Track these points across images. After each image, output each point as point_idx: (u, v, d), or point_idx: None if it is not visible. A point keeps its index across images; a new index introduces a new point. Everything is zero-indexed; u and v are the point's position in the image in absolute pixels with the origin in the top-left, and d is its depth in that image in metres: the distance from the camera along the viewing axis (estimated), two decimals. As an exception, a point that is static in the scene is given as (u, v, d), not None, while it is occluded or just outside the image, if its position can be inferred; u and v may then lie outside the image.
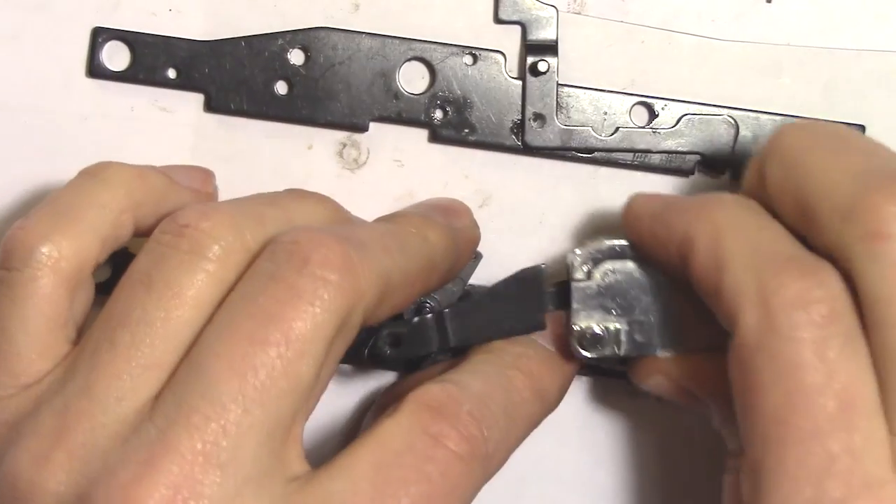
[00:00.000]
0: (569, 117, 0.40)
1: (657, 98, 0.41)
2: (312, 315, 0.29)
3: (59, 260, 0.31)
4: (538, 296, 0.36)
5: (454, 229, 0.36)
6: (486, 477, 0.32)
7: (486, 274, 0.40)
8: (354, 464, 0.30)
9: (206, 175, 0.37)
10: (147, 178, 0.34)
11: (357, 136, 0.41)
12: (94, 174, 0.34)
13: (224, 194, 0.39)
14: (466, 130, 0.40)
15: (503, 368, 0.35)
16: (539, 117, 0.40)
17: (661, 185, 0.41)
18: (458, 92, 0.40)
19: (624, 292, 0.35)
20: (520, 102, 0.40)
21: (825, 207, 0.30)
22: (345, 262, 0.30)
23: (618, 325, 0.35)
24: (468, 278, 0.39)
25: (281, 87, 0.40)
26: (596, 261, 0.36)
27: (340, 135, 0.41)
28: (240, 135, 0.41)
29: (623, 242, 0.35)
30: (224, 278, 0.30)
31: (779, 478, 0.28)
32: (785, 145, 0.32)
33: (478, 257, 0.39)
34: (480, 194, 0.41)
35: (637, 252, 0.35)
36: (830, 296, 0.29)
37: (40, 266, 0.31)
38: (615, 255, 0.36)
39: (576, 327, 0.35)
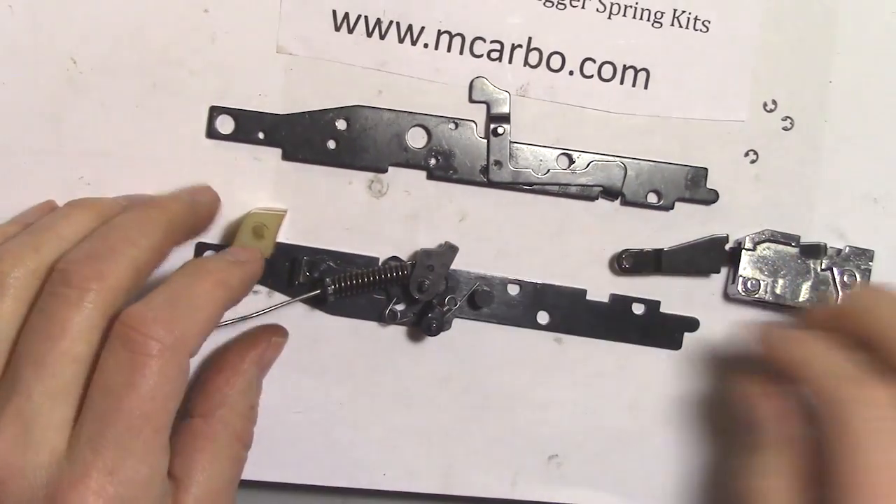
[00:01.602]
0: (517, 163, 0.49)
1: (574, 150, 0.50)
2: (81, 311, 0.34)
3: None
4: (720, 252, 0.47)
5: (194, 201, 0.41)
6: (188, 353, 0.35)
7: (464, 263, 0.50)
8: (90, 394, 0.34)
9: (213, 196, 0.42)
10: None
11: (381, 176, 0.50)
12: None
13: (296, 213, 0.49)
14: (451, 171, 0.49)
15: (187, 275, 0.38)
16: (498, 163, 0.49)
17: (577, 206, 0.50)
18: (446, 146, 0.49)
19: (772, 262, 0.47)
20: (486, 153, 0.49)
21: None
22: (96, 273, 0.34)
23: (765, 280, 0.46)
24: (449, 265, 0.47)
25: (331, 144, 0.49)
26: (758, 242, 0.47)
27: (370, 175, 0.50)
28: (305, 175, 0.50)
29: (772, 232, 0.45)
30: (24, 298, 0.36)
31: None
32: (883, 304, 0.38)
33: (454, 250, 0.47)
34: (460, 213, 0.51)
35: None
36: (887, 402, 0.34)
37: None
38: (769, 239, 0.46)
39: (741, 277, 0.47)
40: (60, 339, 0.34)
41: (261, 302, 0.50)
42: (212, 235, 0.48)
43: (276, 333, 0.47)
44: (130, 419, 0.34)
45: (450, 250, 0.47)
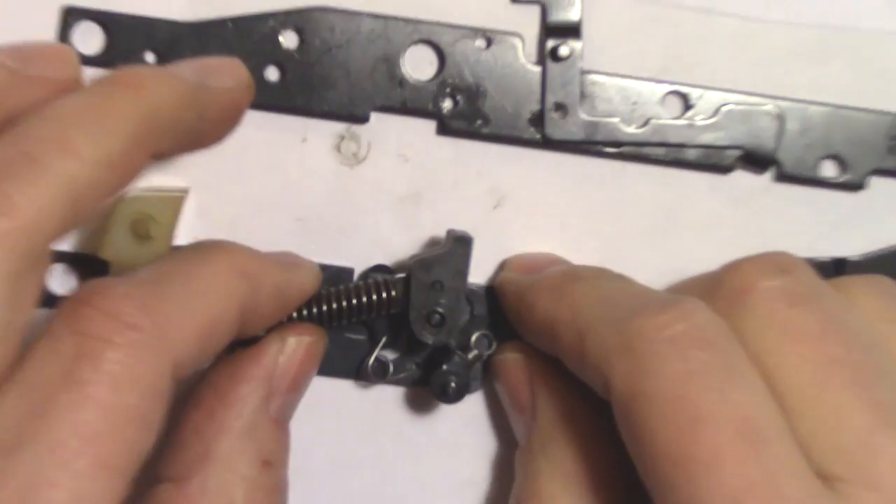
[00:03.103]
0: (594, 107, 0.38)
1: (693, 86, 0.38)
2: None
3: None
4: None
5: (200, 86, 0.32)
6: (172, 357, 0.29)
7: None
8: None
9: (66, 58, 0.32)
10: None
11: (356, 128, 0.39)
12: None
13: (209, 191, 0.38)
14: (479, 122, 0.38)
15: (193, 252, 0.32)
16: (560, 107, 0.38)
17: (698, 182, 0.39)
18: (470, 79, 0.38)
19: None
20: (539, 91, 0.38)
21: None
22: (7, 205, 0.26)
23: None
24: (466, 274, 0.36)
25: (272, 74, 0.37)
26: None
27: (338, 126, 0.38)
28: None
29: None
30: None
31: None
32: None
33: (466, 244, 0.35)
34: (494, 193, 0.39)
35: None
36: (696, 325, 0.28)
37: None
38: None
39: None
40: None
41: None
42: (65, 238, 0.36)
43: (299, 330, 0.35)
44: (59, 438, 0.25)
45: (459, 246, 0.35)
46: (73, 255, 0.38)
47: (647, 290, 0.32)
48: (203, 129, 0.33)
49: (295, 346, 0.35)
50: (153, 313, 0.28)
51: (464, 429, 0.39)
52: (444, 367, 0.36)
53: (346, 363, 0.38)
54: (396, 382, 0.38)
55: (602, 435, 0.33)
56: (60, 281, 0.37)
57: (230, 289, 0.31)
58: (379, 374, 0.38)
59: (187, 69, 0.32)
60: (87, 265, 0.38)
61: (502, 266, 0.38)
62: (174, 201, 0.37)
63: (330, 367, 0.38)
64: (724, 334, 0.29)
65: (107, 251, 0.36)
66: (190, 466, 0.33)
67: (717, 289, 0.32)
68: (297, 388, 0.35)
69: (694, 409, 0.27)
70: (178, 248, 0.34)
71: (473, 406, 0.39)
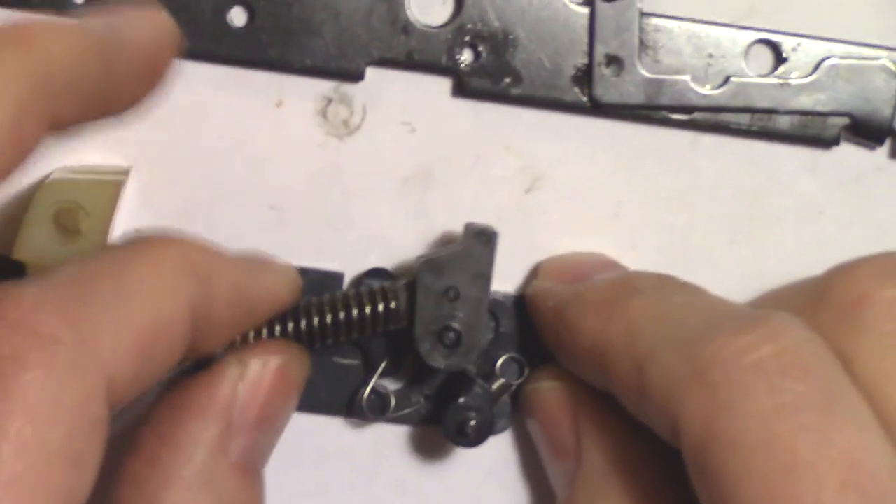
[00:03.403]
0: (657, 62, 0.36)
1: (786, 34, 0.36)
2: None
3: None
4: None
5: (106, 37, 0.31)
6: (103, 377, 0.28)
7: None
8: None
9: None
10: None
11: (348, 88, 0.37)
12: None
13: (156, 173, 0.37)
14: (508, 80, 0.36)
15: (129, 246, 0.31)
16: (614, 61, 0.36)
17: (792, 159, 0.37)
18: (496, 24, 0.36)
19: None
20: (585, 40, 0.36)
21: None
22: None
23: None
24: (490, 275, 0.34)
25: (237, 17, 0.36)
26: None
27: (324, 86, 0.37)
28: (178, 86, 0.37)
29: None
30: None
31: None
32: None
33: (490, 238, 0.34)
34: (528, 173, 0.37)
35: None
36: (787, 347, 0.28)
37: None
38: None
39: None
40: None
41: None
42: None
43: (265, 349, 0.33)
44: None
45: (479, 243, 0.33)
46: (-27, 254, 0.37)
47: (722, 302, 0.32)
48: (113, 91, 0.31)
49: (259, 369, 0.34)
50: (76, 322, 0.27)
51: (485, 480, 0.38)
52: (462, 399, 0.35)
53: (335, 395, 0.38)
54: (400, 420, 0.37)
55: (665, 486, 0.31)
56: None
57: (175, 289, 0.30)
58: (377, 410, 0.37)
59: (93, 19, 0.31)
60: (-4, 265, 0.38)
61: (536, 272, 0.36)
62: (110, 186, 0.36)
63: (314, 401, 0.37)
64: (823, 358, 0.28)
65: (23, 250, 0.35)
66: None
67: (822, 300, 0.30)
68: (266, 425, 0.34)
69: (787, 456, 0.26)
70: (110, 245, 0.34)
71: (498, 450, 0.38)
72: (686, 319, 0.30)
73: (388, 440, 0.38)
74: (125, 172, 0.36)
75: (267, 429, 0.34)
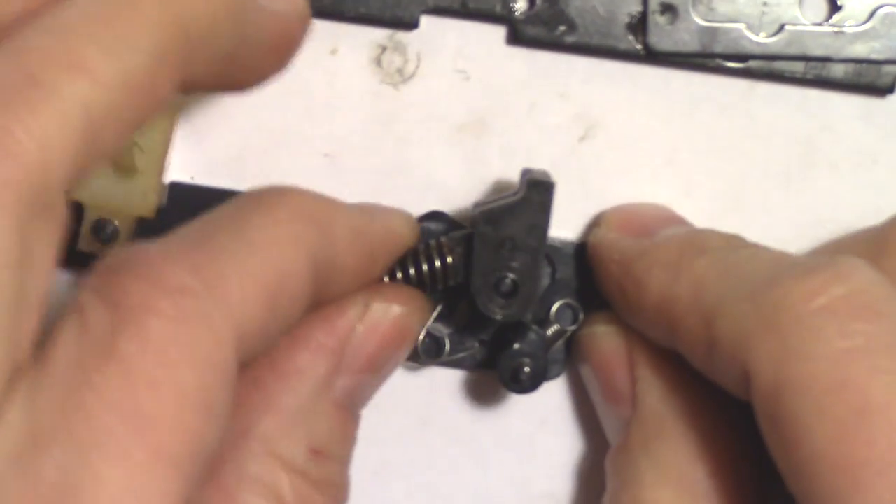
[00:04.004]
0: (712, 9, 0.35)
1: None
2: None
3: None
4: None
5: (246, 1, 0.31)
6: (234, 328, 0.28)
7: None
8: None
9: None
10: None
11: (402, 36, 0.37)
12: None
13: (207, 114, 0.36)
14: (562, 27, 0.36)
15: (245, 200, 0.31)
16: (669, 9, 0.35)
17: (847, 107, 0.37)
18: None
19: None
20: None
21: None
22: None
23: None
24: (547, 224, 0.34)
25: None
26: None
27: (378, 34, 0.37)
28: None
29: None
30: None
31: None
32: None
33: (548, 189, 0.34)
34: (582, 121, 0.37)
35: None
36: (858, 289, 0.27)
37: None
38: None
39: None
40: None
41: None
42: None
43: (392, 296, 0.34)
44: (103, 425, 0.25)
45: (536, 192, 0.33)
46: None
47: (789, 255, 0.31)
48: (244, 61, 0.31)
49: (380, 315, 0.34)
50: (204, 274, 0.27)
51: (540, 426, 0.38)
52: (516, 345, 0.35)
53: None
54: (454, 364, 0.37)
55: (723, 430, 0.31)
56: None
57: (296, 238, 0.30)
58: (432, 353, 0.36)
59: None
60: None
61: (598, 221, 0.36)
62: (163, 122, 0.36)
63: None
64: (894, 300, 0.27)
65: (80, 190, 0.34)
66: (224, 447, 0.31)
67: (884, 247, 0.30)
68: (374, 369, 0.34)
69: (861, 399, 0.26)
70: (227, 202, 0.34)
71: (553, 396, 0.38)
72: (753, 271, 0.30)
73: (441, 385, 0.38)
74: (177, 108, 0.36)
75: (374, 374, 0.34)
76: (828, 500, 0.26)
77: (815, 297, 0.27)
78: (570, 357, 0.36)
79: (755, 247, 0.32)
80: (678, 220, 0.36)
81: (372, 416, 0.36)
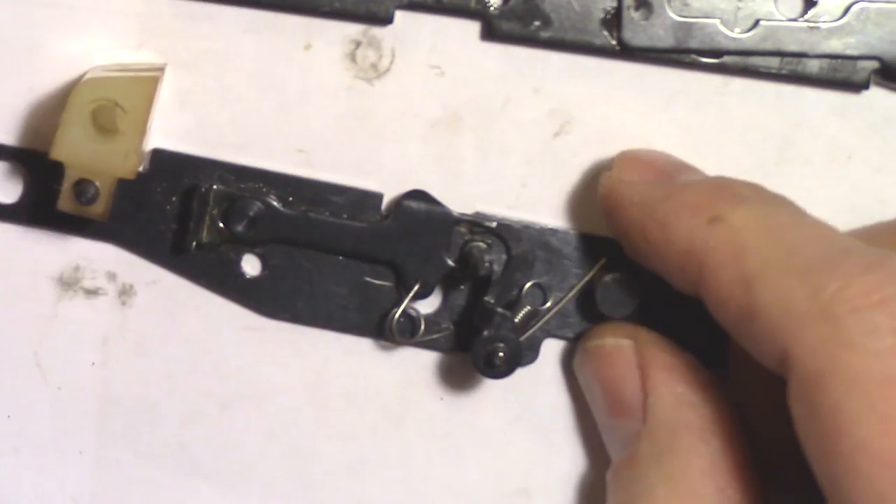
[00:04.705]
0: (686, 5, 0.35)
1: None
2: None
3: None
4: None
5: None
6: None
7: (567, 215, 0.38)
8: None
9: None
10: None
11: (377, 31, 0.37)
12: None
13: (185, 113, 0.36)
14: (537, 23, 0.36)
15: None
16: (643, 4, 0.35)
17: (821, 102, 0.37)
18: None
19: None
20: None
21: None
22: None
23: None
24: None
25: None
26: None
27: (353, 29, 0.37)
28: (206, 28, 0.37)
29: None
30: None
31: None
32: None
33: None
34: (557, 116, 0.37)
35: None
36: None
37: None
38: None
39: None
40: None
41: (106, 304, 0.39)
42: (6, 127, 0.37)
43: None
44: None
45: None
46: (18, 151, 0.37)
47: (832, 231, 0.31)
48: None
49: None
50: None
51: (513, 422, 0.38)
52: (486, 332, 0.35)
53: (367, 316, 0.37)
54: (428, 345, 0.37)
55: (734, 444, 0.32)
56: (2, 186, 0.37)
57: None
58: (406, 333, 0.37)
59: None
60: (35, 165, 0.37)
61: (610, 165, 0.36)
62: (146, 82, 0.36)
63: (345, 321, 0.37)
64: None
65: (60, 149, 0.34)
66: None
67: None
68: None
69: None
70: None
71: (526, 393, 0.37)
72: (801, 245, 0.30)
73: (417, 382, 0.37)
74: (160, 69, 0.36)
75: None
76: (865, 493, 0.26)
77: (873, 292, 0.27)
78: (566, 366, 0.36)
79: (793, 207, 0.32)
80: (693, 169, 0.35)
81: (347, 412, 0.37)
